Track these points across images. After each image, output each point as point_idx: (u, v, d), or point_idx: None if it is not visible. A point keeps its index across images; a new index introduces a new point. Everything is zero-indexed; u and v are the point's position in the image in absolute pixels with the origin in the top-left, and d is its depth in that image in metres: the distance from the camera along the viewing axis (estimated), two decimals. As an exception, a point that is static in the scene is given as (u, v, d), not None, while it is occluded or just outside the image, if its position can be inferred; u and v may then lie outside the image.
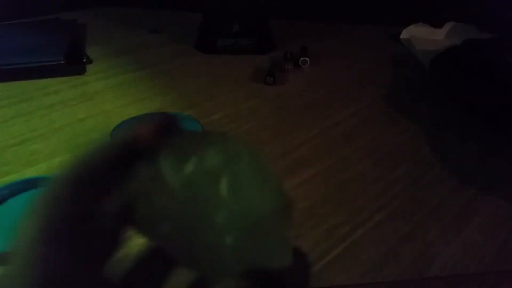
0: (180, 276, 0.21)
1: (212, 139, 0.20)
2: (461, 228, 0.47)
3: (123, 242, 0.19)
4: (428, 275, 0.41)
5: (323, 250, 0.43)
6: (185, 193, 0.18)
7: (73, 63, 0.82)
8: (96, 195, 0.18)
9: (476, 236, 0.45)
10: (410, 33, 0.96)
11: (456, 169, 0.56)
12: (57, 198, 0.17)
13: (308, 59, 0.84)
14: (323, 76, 0.83)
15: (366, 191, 0.52)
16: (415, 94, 0.77)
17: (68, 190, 0.17)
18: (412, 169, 0.56)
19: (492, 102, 0.63)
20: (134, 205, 0.18)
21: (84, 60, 0.84)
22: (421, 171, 0.56)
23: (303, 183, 0.53)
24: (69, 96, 0.73)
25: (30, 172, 0.54)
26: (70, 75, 0.79)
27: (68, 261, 0.16)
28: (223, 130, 0.64)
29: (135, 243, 0.20)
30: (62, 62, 0.78)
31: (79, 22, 1.02)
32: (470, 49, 0.71)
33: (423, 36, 0.94)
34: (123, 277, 0.20)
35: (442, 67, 0.75)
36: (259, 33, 0.91)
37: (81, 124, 0.65)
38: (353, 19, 1.06)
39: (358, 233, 0.46)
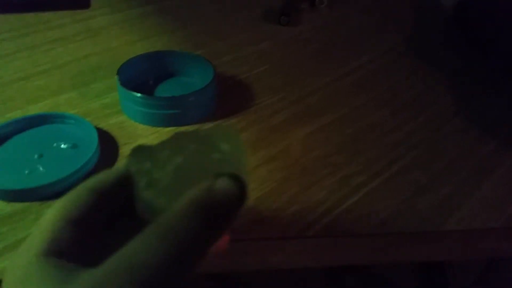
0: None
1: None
2: (480, 181, 0.45)
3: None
4: (445, 228, 0.40)
5: (337, 200, 0.42)
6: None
7: (76, -4, 0.77)
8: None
9: (496, 190, 0.44)
10: (434, -25, 0.90)
11: (477, 120, 0.54)
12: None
13: (324, -1, 0.79)
14: (340, 19, 0.78)
15: (383, 141, 0.50)
16: (437, 40, 0.73)
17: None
18: (431, 120, 0.54)
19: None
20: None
21: (88, -7, 0.79)
22: (441, 122, 0.54)
23: (317, 131, 0.51)
24: (74, 31, 0.69)
25: (34, 109, 0.52)
26: (74, 9, 0.75)
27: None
28: (235, 73, 0.61)
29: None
30: (64, -6, 0.73)
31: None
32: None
33: (448, -21, 0.88)
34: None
35: (467, 12, 0.71)
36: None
37: (86, 60, 0.62)
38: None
39: (373, 183, 0.44)
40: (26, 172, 0.43)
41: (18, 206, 0.40)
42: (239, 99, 0.57)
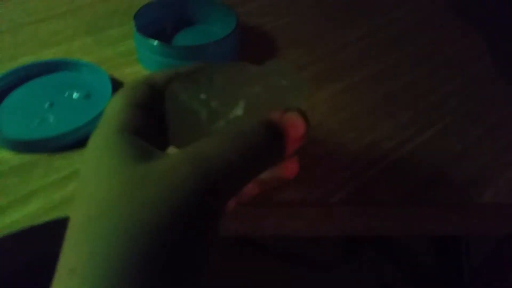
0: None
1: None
2: (522, 152, 0.41)
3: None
4: (480, 201, 0.37)
5: (364, 166, 0.39)
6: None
7: None
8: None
9: (540, 162, 0.40)
10: None
11: (523, 85, 0.49)
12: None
13: None
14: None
15: (417, 103, 0.46)
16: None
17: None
18: (470, 82, 0.49)
19: None
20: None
21: None
22: (481, 84, 0.49)
23: (346, 90, 0.48)
24: (89, -28, 0.65)
25: (47, 54, 0.50)
26: None
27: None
28: (259, 23, 0.57)
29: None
30: None
31: None
32: None
33: None
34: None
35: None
36: None
37: (103, 4, 0.59)
38: None
39: (404, 149, 0.41)
40: (36, 122, 0.41)
41: (27, 157, 0.38)
42: (262, 51, 0.53)
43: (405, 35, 0.56)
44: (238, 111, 0.23)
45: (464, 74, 0.50)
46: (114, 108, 0.22)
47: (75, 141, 0.39)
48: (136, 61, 0.49)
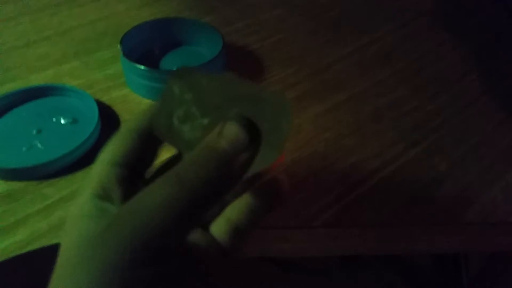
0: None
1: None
2: (505, 169, 0.42)
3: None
4: (463, 220, 0.38)
5: (348, 186, 0.40)
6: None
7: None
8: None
9: (522, 181, 0.41)
10: None
11: (504, 101, 0.50)
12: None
13: (346, -39, 0.73)
14: (362, -17, 0.73)
15: (402, 122, 0.47)
16: (465, 9, 0.67)
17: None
18: (455, 99, 0.50)
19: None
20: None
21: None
22: (465, 102, 0.50)
23: (331, 109, 0.48)
24: (79, -6, 0.66)
25: (36, 79, 0.50)
26: (79, -31, 0.71)
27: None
28: (247, 43, 0.58)
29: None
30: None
31: None
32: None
33: None
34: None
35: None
36: None
37: (91, 26, 0.60)
38: None
39: (388, 169, 0.42)
40: (24, 149, 0.41)
41: (15, 185, 0.38)
42: (249, 72, 0.53)
43: (392, 52, 0.57)
44: (205, 120, 0.23)
45: (449, 91, 0.51)
46: (93, 170, 0.23)
47: (63, 168, 0.40)
48: (124, 84, 0.50)
